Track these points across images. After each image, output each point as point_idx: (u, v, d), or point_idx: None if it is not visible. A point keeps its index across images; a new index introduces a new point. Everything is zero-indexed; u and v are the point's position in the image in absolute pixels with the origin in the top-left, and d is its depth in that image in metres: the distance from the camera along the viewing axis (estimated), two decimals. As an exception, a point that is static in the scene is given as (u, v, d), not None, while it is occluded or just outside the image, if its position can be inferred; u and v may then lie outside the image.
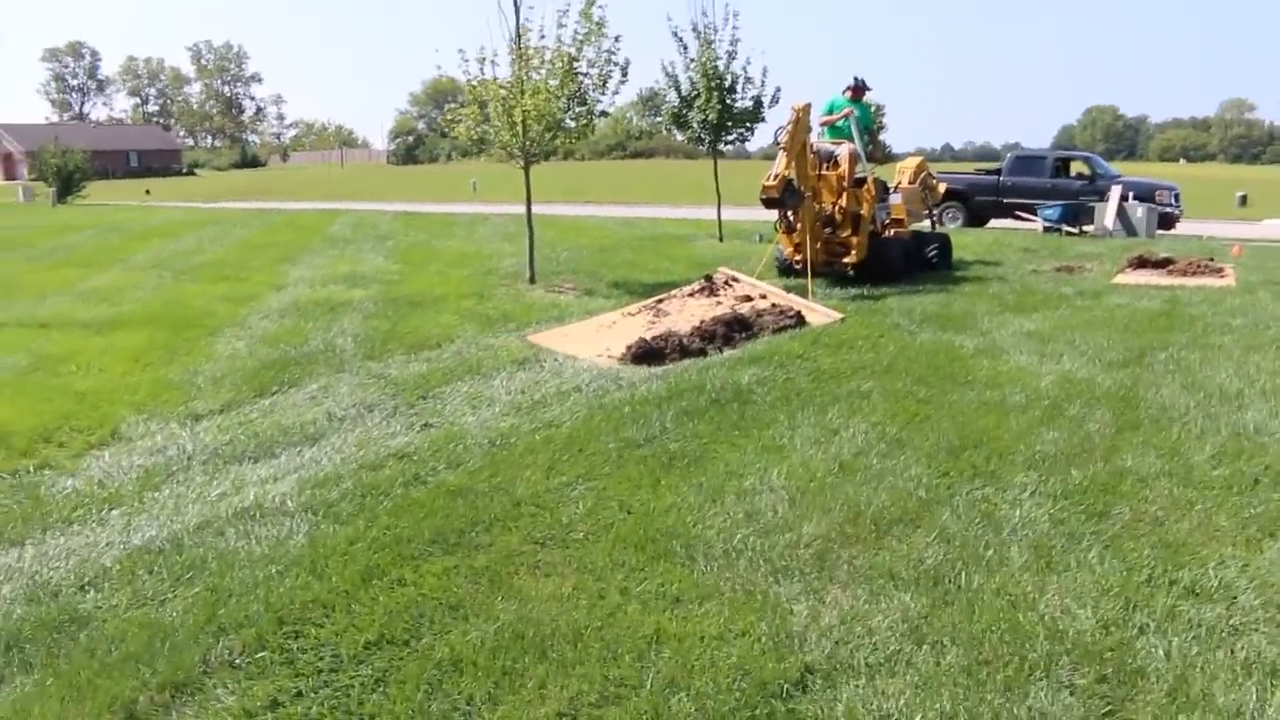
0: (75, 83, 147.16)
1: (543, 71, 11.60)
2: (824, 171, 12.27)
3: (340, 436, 6.29)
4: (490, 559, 4.34)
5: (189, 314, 10.75)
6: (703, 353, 8.32)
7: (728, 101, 16.88)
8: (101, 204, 41.13)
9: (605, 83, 11.91)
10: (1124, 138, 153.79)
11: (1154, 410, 6.26)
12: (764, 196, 11.00)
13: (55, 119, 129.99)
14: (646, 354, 8.18)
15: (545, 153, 12.07)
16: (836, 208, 12.10)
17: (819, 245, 12.04)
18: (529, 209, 12.51)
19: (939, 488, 4.98)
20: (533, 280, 12.33)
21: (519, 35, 11.70)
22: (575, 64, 11.72)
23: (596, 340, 9.00)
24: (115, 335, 9.62)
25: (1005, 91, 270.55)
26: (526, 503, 5.00)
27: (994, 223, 23.38)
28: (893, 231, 12.87)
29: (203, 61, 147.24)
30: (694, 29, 16.97)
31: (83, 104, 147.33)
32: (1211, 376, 7.10)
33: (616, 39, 11.92)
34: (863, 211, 12.08)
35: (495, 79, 11.58)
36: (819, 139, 13.08)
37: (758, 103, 17.22)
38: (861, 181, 12.25)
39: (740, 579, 4.06)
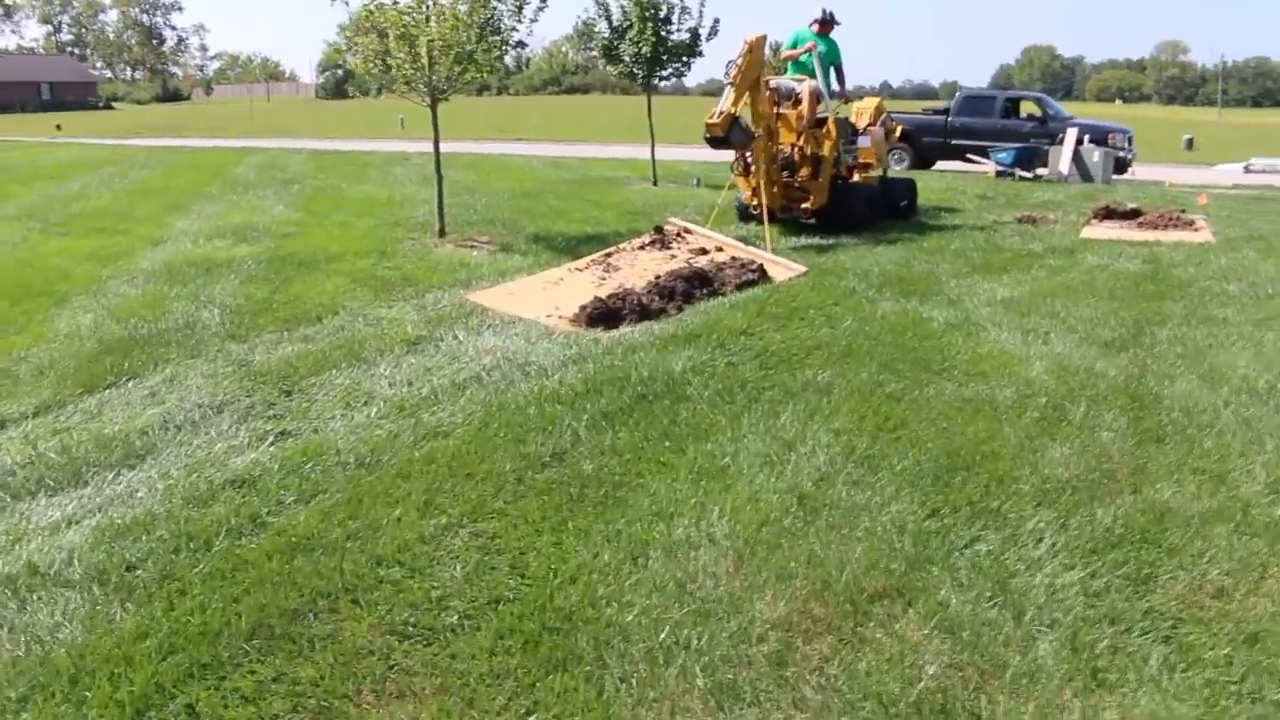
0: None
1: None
2: (783, 110, 11.32)
3: (171, 453, 4.97)
4: (325, 666, 3.10)
5: (41, 277, 9.25)
6: (663, 312, 7.53)
7: (662, 34, 15.50)
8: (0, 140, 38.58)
9: (521, 8, 10.48)
10: (1061, 78, 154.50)
11: (1176, 414, 5.14)
12: (708, 135, 10.21)
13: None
14: (603, 315, 7.31)
15: (454, 88, 10.62)
16: (796, 149, 11.27)
17: (777, 190, 11.19)
18: (437, 153, 11.11)
19: (930, 536, 3.81)
20: (442, 233, 10.97)
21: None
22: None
23: (544, 299, 8.02)
24: (-58, 304, 8.15)
25: (942, 29, 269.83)
26: (389, 562, 3.75)
27: (941, 165, 22.39)
28: (859, 177, 11.95)
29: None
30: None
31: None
32: (1230, 363, 6.02)
33: (533, -40, 10.50)
34: (824, 154, 11.23)
35: (395, 3, 10.08)
36: (781, 75, 12.00)
37: (694, 35, 15.89)
38: (823, 122, 11.30)
39: (669, 703, 2.87)
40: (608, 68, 16.51)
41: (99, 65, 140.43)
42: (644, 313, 7.45)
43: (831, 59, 12.39)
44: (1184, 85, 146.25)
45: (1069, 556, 3.63)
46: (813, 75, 11.73)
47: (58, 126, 52.29)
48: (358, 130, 43.18)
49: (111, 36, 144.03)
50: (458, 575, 3.63)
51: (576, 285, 8.52)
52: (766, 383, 5.74)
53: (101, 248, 10.92)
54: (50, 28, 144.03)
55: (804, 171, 11.33)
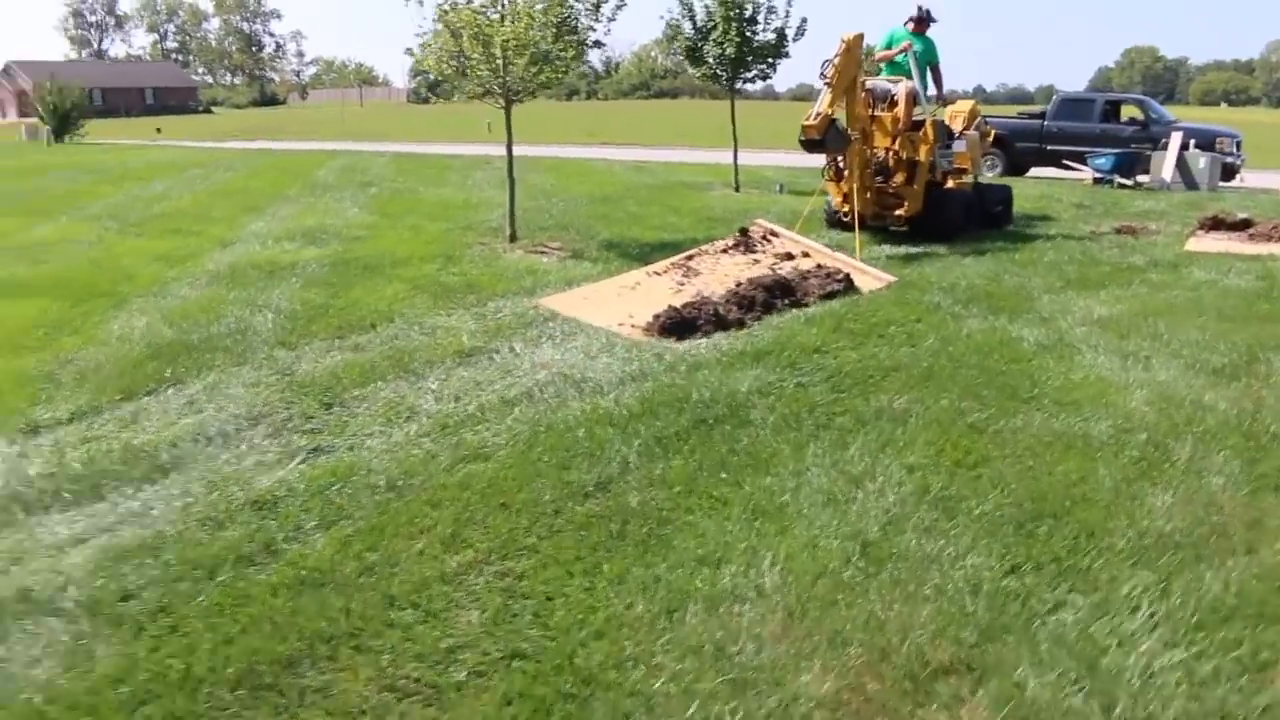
0: (94, 19, 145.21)
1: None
2: (878, 113, 10.86)
3: (198, 468, 4.71)
4: (310, 728, 2.76)
5: (107, 278, 9.18)
6: (741, 323, 7.13)
7: (747, 34, 15.04)
8: (101, 142, 39.60)
9: (598, 6, 10.14)
10: (1163, 80, 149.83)
11: (1299, 457, 4.57)
12: (803, 138, 9.79)
13: (74, 56, 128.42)
14: (676, 325, 6.96)
15: (529, 90, 10.33)
16: (890, 153, 10.80)
17: (869, 196, 10.71)
18: (510, 157, 10.80)
19: (1008, 599, 3.34)
20: (513, 238, 10.68)
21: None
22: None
23: (618, 305, 7.70)
24: (6, 304, 8.08)
25: (1039, 31, 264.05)
26: (402, 603, 3.41)
27: (1035, 171, 21.51)
28: (953, 183, 11.37)
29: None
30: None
31: (101, 40, 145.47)
32: (1362, 399, 5.41)
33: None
34: (919, 158, 10.72)
35: (469, 2, 9.82)
36: (875, 76, 11.50)
37: (781, 35, 15.37)
38: (919, 125, 10.79)
39: (693, 797, 2.47)
40: (691, 70, 16.08)
41: (200, 71, 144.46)
42: (720, 323, 7.08)
43: (928, 59, 11.84)
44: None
45: (1170, 631, 3.13)
46: (909, 76, 11.27)
47: (158, 129, 53.70)
48: (445, 134, 43.38)
49: (213, 43, 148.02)
50: (475, 622, 3.28)
51: (653, 291, 8.16)
52: (837, 407, 5.29)
53: (172, 249, 10.85)
54: (156, 35, 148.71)
55: (898, 177, 10.86)
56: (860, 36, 10.12)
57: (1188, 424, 4.96)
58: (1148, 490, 4.20)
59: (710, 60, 15.26)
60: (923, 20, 11.93)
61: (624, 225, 12.11)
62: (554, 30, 10.11)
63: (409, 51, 10.80)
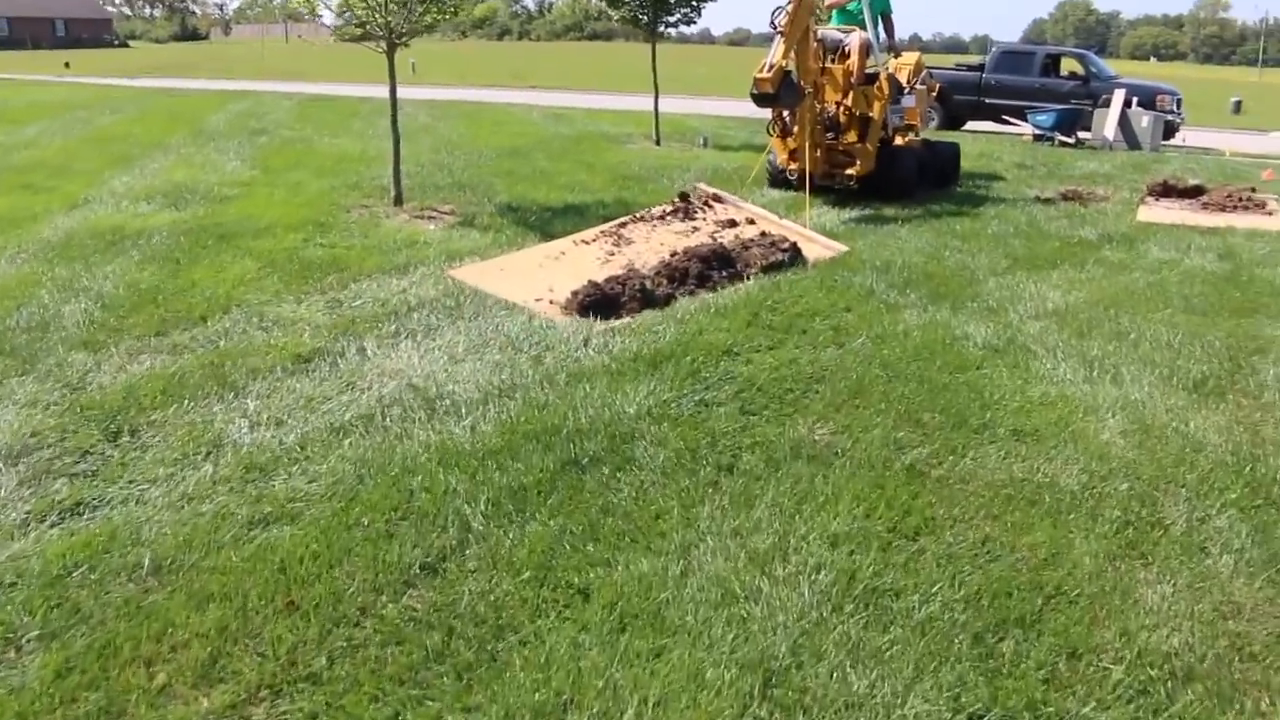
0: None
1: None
2: (829, 65, 10.16)
3: (-97, 534, 3.56)
4: None
5: (-84, 246, 7.84)
6: (670, 299, 6.45)
7: (671, -28, 13.86)
8: (-7, 78, 37.13)
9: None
10: (1095, 33, 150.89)
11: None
12: (755, 91, 8.98)
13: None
14: (597, 302, 6.21)
15: (414, 32, 9.09)
16: (842, 108, 10.13)
17: (819, 154, 9.99)
18: (394, 108, 9.58)
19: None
20: (398, 201, 9.47)
21: None
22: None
23: (537, 277, 6.95)
24: None
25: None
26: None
27: (972, 124, 20.66)
28: (901, 139, 10.80)
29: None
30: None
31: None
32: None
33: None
34: (873, 114, 10.05)
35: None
36: (824, 25, 10.62)
37: (707, -24, 14.20)
38: (873, 78, 10.09)
39: None
40: (610, 11, 14.83)
41: (118, 3, 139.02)
42: (647, 299, 6.34)
43: (881, 7, 10.97)
44: (1222, 44, 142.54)
45: None
46: (861, 26, 10.45)
47: (66, 64, 50.91)
48: (367, 75, 41.36)
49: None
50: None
51: (579, 261, 7.43)
52: (745, 439, 4.27)
53: (12, 209, 9.49)
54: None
55: (850, 134, 10.14)
56: None
57: (1176, 466, 4.01)
58: (1139, 575, 3.24)
59: (629, 1, 14.03)
60: None
61: (529, 184, 10.93)
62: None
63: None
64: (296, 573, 3.26)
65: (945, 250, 7.98)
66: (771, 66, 8.87)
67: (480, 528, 3.53)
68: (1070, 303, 6.50)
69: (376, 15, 8.80)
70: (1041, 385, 4.92)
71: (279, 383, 4.98)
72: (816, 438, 4.27)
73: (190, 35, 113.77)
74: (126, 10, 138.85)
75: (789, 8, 8.92)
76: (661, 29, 14.65)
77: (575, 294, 6.31)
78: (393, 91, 9.45)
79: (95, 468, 4.09)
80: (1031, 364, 5.24)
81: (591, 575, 3.23)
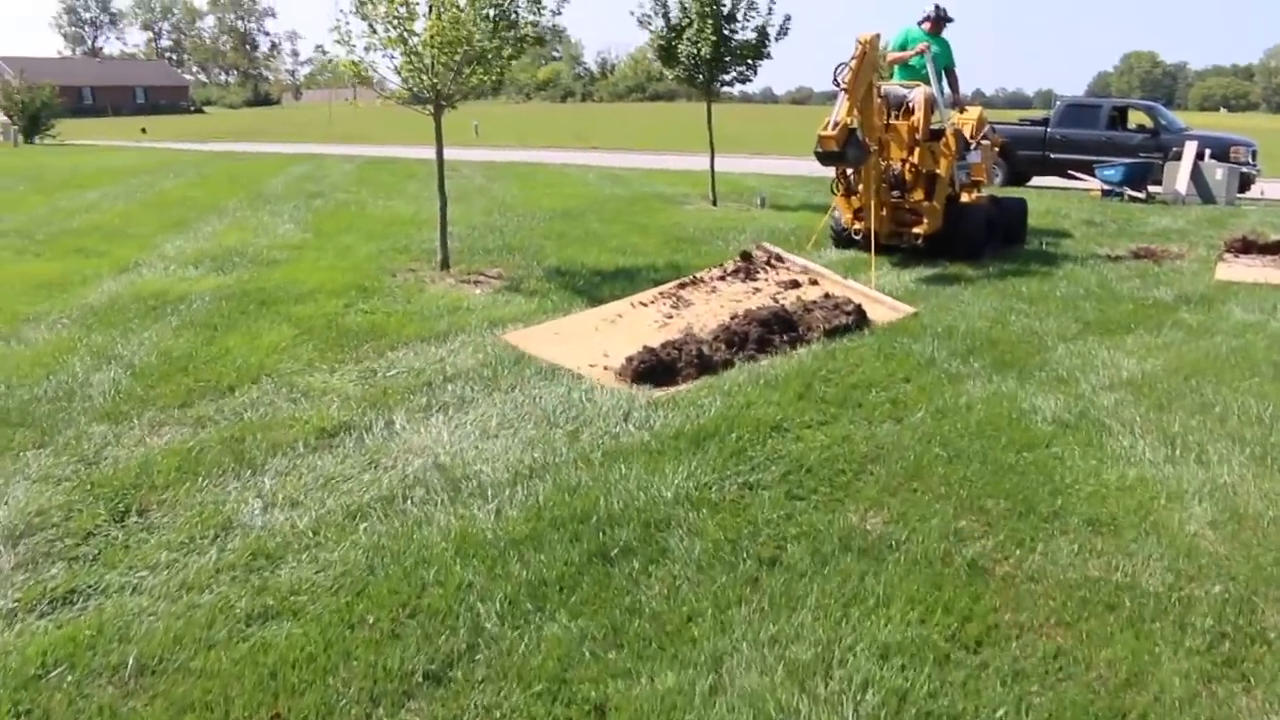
0: (88, 15, 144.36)
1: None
2: (893, 121, 9.94)
3: (-118, 629, 3.33)
4: None
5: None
6: (729, 364, 6.17)
7: (725, 32, 13.68)
8: (73, 143, 38.23)
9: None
10: (1162, 85, 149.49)
11: None
12: (820, 149, 8.89)
13: (68, 53, 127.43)
14: (652, 369, 5.96)
15: (461, 93, 8.95)
16: (907, 165, 9.85)
17: (885, 212, 9.76)
18: (440, 171, 9.43)
19: None
20: (445, 265, 9.28)
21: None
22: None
23: (592, 341, 6.74)
24: None
25: (1038, 35, 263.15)
26: None
27: (1038, 180, 20.18)
28: (968, 196, 10.45)
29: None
30: (686, -63, 13.76)
31: (95, 38, 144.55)
32: None
33: (557, -62, 8.82)
34: (939, 171, 9.78)
35: (384, -9, 8.44)
36: (887, 80, 10.43)
37: (762, 34, 14.01)
38: (939, 134, 9.86)
39: None
40: (665, 70, 14.68)
41: (195, 70, 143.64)
42: (704, 365, 6.09)
43: (944, 62, 10.70)
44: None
45: None
46: (925, 81, 10.18)
47: (142, 130, 52.68)
48: (427, 137, 41.89)
49: (207, 42, 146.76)
50: None
51: (636, 324, 7.23)
52: (791, 528, 3.91)
53: (63, 274, 9.47)
54: (151, 33, 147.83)
55: (917, 191, 9.87)
56: (877, 37, 9.14)
57: (1277, 565, 3.57)
58: (1239, 702, 2.81)
59: (684, 60, 13.88)
60: (939, 20, 10.80)
61: (579, 247, 10.71)
62: (490, 25, 8.75)
63: (319, 49, 9.43)
64: (288, 679, 2.97)
65: (1011, 314, 7.57)
66: (836, 124, 8.73)
67: (493, 629, 3.21)
68: (1147, 371, 6.06)
69: (423, 78, 8.67)
70: (1118, 466, 4.50)
71: (300, 460, 4.73)
72: (869, 527, 3.90)
73: (263, 101, 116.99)
74: (203, 78, 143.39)
75: (852, 64, 8.75)
76: (718, 87, 14.45)
77: (630, 360, 6.06)
78: (439, 154, 9.31)
79: (96, 550, 3.86)
80: (1106, 441, 4.82)
81: (610, 689, 2.89)
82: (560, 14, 9.05)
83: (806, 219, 13.14)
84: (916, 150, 9.79)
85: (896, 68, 10.66)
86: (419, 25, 8.51)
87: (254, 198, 16.19)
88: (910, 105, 10.03)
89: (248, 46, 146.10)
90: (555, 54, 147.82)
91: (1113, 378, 5.92)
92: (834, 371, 5.96)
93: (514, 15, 8.77)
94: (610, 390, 5.67)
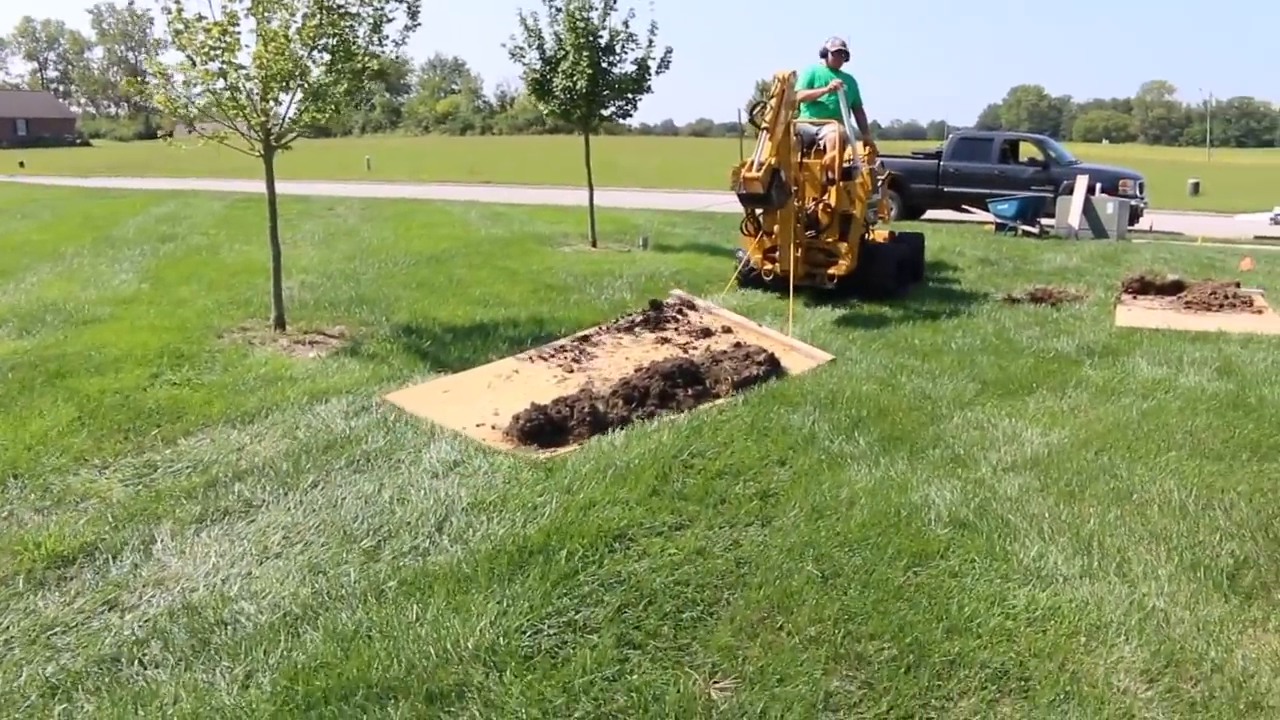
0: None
1: (281, 11, 7.50)
2: (805, 160, 9.70)
3: None
4: None
5: None
6: (625, 421, 5.74)
7: (602, 65, 12.89)
8: (-74, 181, 35.92)
9: (379, 26, 7.86)
10: (1048, 118, 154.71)
11: None
12: (744, 191, 8.61)
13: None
14: (540, 428, 5.55)
15: (295, 131, 7.97)
16: (821, 205, 9.54)
17: (798, 253, 9.46)
18: (273, 217, 8.39)
19: None
20: (280, 323, 8.24)
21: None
22: None
23: (485, 399, 6.31)
24: None
25: (930, 68, 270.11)
26: None
27: (932, 213, 19.88)
28: (875, 234, 10.47)
29: (104, 26, 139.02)
30: (562, -33, 12.97)
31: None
32: None
33: (402, -45, 7.92)
34: (854, 211, 9.52)
35: (200, 19, 7.43)
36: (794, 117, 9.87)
37: (642, 67, 13.27)
38: (850, 173, 9.56)
39: None
40: (539, 105, 13.84)
41: (83, 102, 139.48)
42: (597, 423, 5.66)
43: (853, 99, 10.37)
44: (1169, 125, 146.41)
45: None
46: (834, 118, 10.12)
47: (20, 163, 50.40)
48: (320, 172, 40.56)
49: (96, 74, 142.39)
50: None
51: (533, 379, 6.85)
52: (618, 698, 3.03)
53: None
54: (35, 64, 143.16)
55: (831, 232, 9.56)
56: (793, 74, 8.97)
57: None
58: None
59: (559, 94, 13.05)
60: (841, 53, 10.49)
61: (438, 298, 9.75)
62: (329, 56, 7.81)
63: (129, 82, 8.39)
64: None
65: (902, 373, 6.84)
66: (761, 165, 8.45)
67: None
68: (1053, 445, 5.34)
69: (249, 116, 7.68)
70: (1027, 587, 3.71)
71: (14, 602, 3.71)
72: (715, 695, 3.04)
73: (152, 134, 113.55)
74: (92, 109, 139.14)
75: (772, 103, 8.57)
76: (595, 123, 13.66)
77: (517, 419, 5.62)
78: (271, 203, 8.30)
79: None
80: (1011, 547, 4.04)
81: None
82: (404, 44, 8.13)
83: (689, 261, 12.39)
84: (835, 190, 9.47)
85: (804, 105, 10.16)
86: (243, 56, 7.53)
87: (100, 241, 14.87)
88: (821, 143, 9.85)
89: (137, 78, 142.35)
90: (454, 87, 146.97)
91: (1015, 455, 5.18)
92: (698, 454, 5.12)
93: (353, 46, 7.82)
94: (430, 487, 4.74)
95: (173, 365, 7.12)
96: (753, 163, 8.55)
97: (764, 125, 8.63)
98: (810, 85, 10.25)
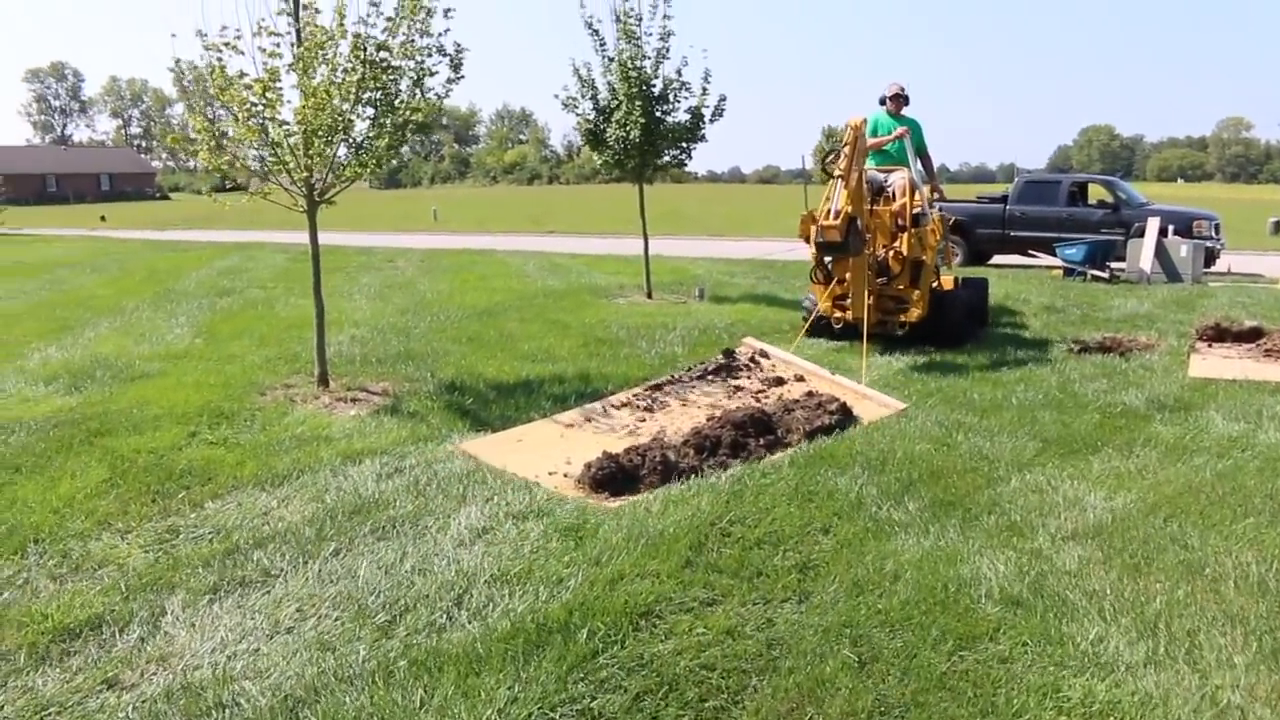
0: (58, 104, 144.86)
1: (323, 66, 7.48)
2: (874, 207, 9.68)
3: None
4: None
5: None
6: (695, 471, 5.70)
7: (656, 114, 12.78)
8: (19, 233, 37.00)
9: (420, 81, 7.80)
10: (1120, 157, 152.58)
11: None
12: (823, 239, 8.66)
13: (37, 141, 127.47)
14: (612, 476, 5.60)
15: (338, 185, 7.92)
16: (891, 253, 9.54)
17: (871, 301, 9.46)
18: (316, 274, 8.29)
19: None
20: (323, 380, 8.15)
21: (297, 5, 7.63)
22: (382, 53, 7.62)
23: (557, 448, 6.33)
24: None
25: (999, 111, 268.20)
26: None
27: (999, 258, 19.44)
28: (943, 280, 10.41)
29: (184, 83, 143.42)
30: (615, 18, 12.92)
31: (64, 126, 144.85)
32: None
33: (447, 13, 7.87)
34: (925, 258, 9.55)
35: (242, 76, 7.42)
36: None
37: (696, 116, 13.14)
38: (920, 219, 9.54)
39: None
40: (594, 156, 13.77)
41: (164, 157, 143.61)
42: (668, 472, 5.67)
43: (917, 143, 10.35)
44: (1248, 163, 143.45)
45: None
46: (900, 164, 10.13)
47: (102, 218, 52.25)
48: (391, 224, 41.11)
49: (176, 129, 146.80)
50: None
51: (605, 429, 6.90)
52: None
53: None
54: (120, 121, 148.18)
55: (902, 279, 9.54)
56: (864, 121, 9.00)
57: None
58: None
59: (613, 144, 12.96)
60: (901, 99, 10.51)
61: (486, 353, 9.62)
62: (372, 109, 7.78)
63: (174, 138, 8.44)
64: None
65: (958, 431, 6.52)
66: (838, 213, 8.46)
67: None
68: (1117, 511, 4.99)
69: (292, 172, 7.64)
70: (1084, 675, 3.39)
71: (13, 678, 3.57)
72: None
73: (232, 187, 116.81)
74: (172, 164, 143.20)
75: (845, 150, 8.60)
76: (649, 172, 13.54)
77: (589, 467, 5.70)
78: (315, 259, 8.21)
79: None
80: (1068, 629, 3.72)
81: None
82: (447, 96, 8.06)
83: (745, 312, 12.15)
84: (901, 237, 9.44)
85: (871, 153, 10.08)
86: (285, 112, 7.52)
87: (161, 295, 15.08)
88: (890, 190, 9.80)
89: (183, 135, 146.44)
90: (522, 137, 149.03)
91: (1076, 522, 4.85)
92: (737, 521, 4.86)
93: (395, 100, 7.77)
94: (454, 556, 4.54)
95: (211, 424, 7.04)
96: (829, 211, 8.58)
97: (838, 174, 8.67)
98: (874, 133, 10.19)
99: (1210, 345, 9.85)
